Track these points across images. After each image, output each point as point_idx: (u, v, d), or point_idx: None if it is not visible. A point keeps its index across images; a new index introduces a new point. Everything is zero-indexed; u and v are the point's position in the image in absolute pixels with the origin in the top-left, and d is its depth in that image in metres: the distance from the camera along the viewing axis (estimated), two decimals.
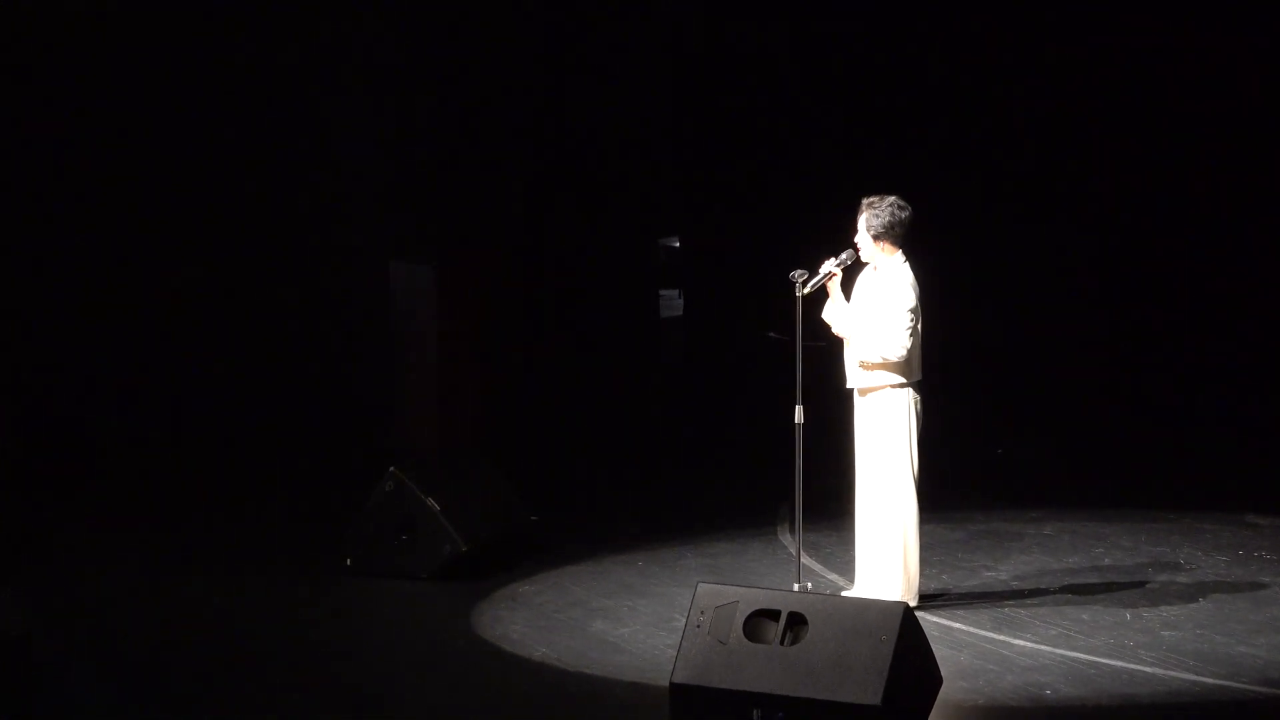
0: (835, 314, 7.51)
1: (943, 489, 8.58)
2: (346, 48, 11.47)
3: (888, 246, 7.41)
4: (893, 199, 7.40)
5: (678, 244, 13.30)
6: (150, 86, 11.16)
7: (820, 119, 12.65)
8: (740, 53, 12.58)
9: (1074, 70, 12.35)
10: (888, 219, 7.38)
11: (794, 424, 7.23)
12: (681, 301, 13.42)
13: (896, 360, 7.30)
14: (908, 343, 7.27)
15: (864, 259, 7.51)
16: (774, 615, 5.98)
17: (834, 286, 7.52)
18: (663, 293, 13.39)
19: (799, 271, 7.29)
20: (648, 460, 11.80)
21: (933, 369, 7.69)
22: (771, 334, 8.50)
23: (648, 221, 12.59)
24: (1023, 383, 12.65)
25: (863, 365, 7.36)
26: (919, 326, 7.42)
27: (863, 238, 7.44)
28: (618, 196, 12.43)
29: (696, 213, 13.04)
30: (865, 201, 7.45)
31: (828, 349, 7.90)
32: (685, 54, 12.47)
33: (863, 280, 7.65)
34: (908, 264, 7.46)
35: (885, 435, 7.40)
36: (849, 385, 7.50)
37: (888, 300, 7.39)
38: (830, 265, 7.38)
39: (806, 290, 7.32)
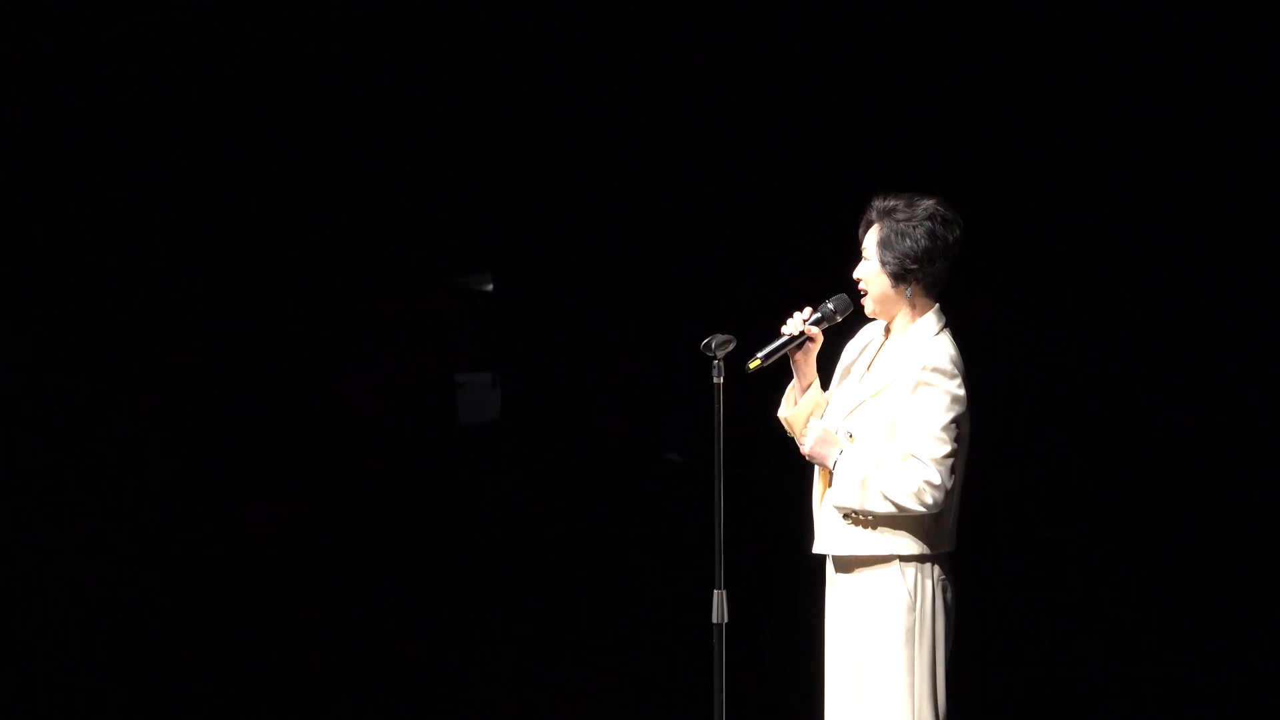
0: (807, 415, 6.38)
1: None
2: None
3: (918, 295, 6.35)
4: (931, 204, 6.32)
5: (490, 287, 12.12)
6: None
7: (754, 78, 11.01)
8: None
9: None
10: (924, 242, 6.26)
11: (711, 624, 6.32)
12: (499, 393, 12.28)
13: (923, 510, 6.17)
14: (946, 480, 6.19)
15: (871, 312, 6.36)
16: None
17: (807, 363, 6.39)
18: (462, 379, 12.09)
19: (720, 338, 6.21)
20: (440, 680, 10.81)
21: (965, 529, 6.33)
22: (673, 455, 8.56)
23: (434, 248, 11.20)
24: (1089, 548, 11.55)
25: (851, 517, 6.20)
26: (966, 451, 6.29)
27: (871, 274, 6.35)
28: (384, 209, 11.05)
29: (527, 231, 11.55)
30: (879, 206, 6.34)
31: (769, 479, 7.68)
32: None
33: (862, 353, 6.47)
34: (947, 331, 6.31)
35: (885, 646, 6.18)
36: (819, 550, 6.28)
37: (916, 397, 6.17)
38: (798, 322, 6.31)
39: (756, 365, 6.30)
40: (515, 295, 10.99)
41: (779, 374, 6.51)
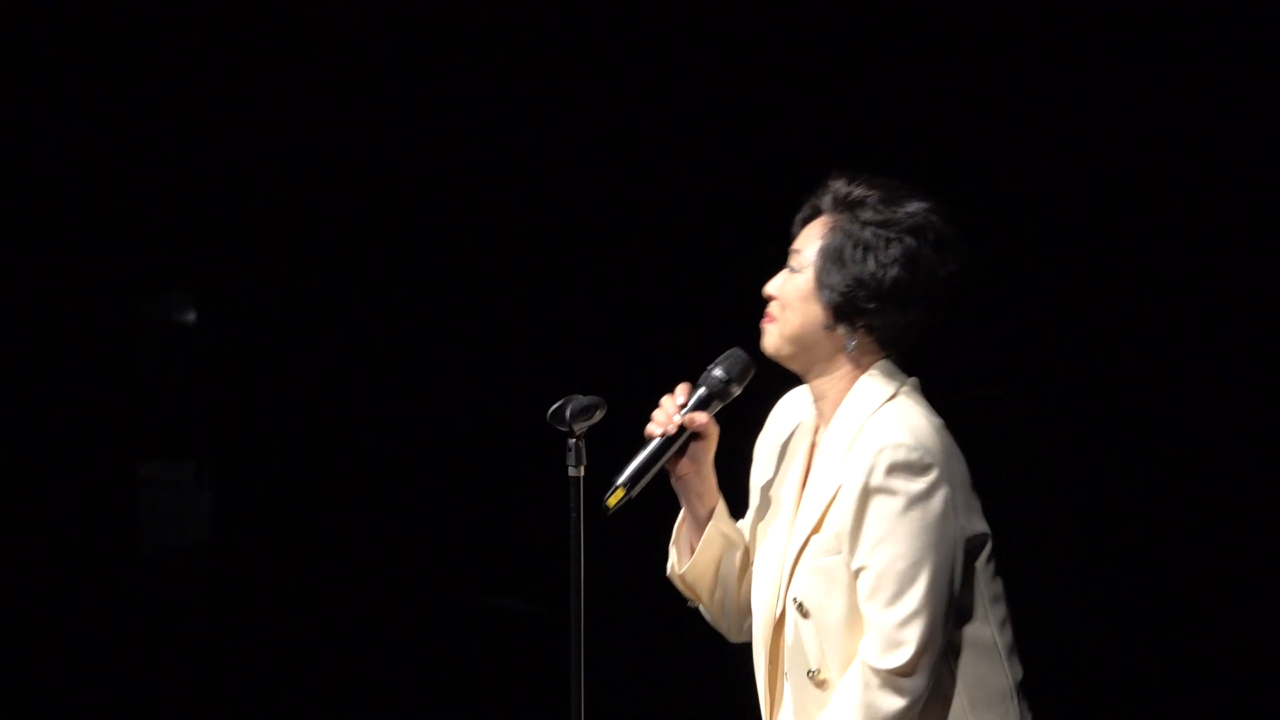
0: (714, 565, 5.06)
1: None
2: None
3: (865, 348, 4.78)
4: (923, 209, 4.68)
5: (193, 317, 9.88)
6: None
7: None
8: None
9: None
10: (897, 269, 4.72)
11: None
12: (207, 495, 9.82)
13: (900, 707, 4.57)
14: (920, 660, 4.63)
15: (774, 351, 4.84)
16: None
17: (699, 475, 4.93)
18: (146, 471, 9.80)
19: (580, 401, 4.83)
20: None
21: None
22: (505, 600, 8.14)
23: (98, 252, 9.48)
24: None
25: None
26: (998, 594, 4.74)
27: (795, 294, 4.78)
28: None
29: (250, 230, 9.55)
30: (839, 190, 4.74)
31: (675, 630, 6.39)
32: None
33: (787, 447, 5.00)
34: (909, 390, 4.77)
35: None
36: None
37: (868, 520, 4.68)
38: (671, 411, 4.97)
39: (617, 501, 4.88)
40: (234, 330, 9.17)
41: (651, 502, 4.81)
